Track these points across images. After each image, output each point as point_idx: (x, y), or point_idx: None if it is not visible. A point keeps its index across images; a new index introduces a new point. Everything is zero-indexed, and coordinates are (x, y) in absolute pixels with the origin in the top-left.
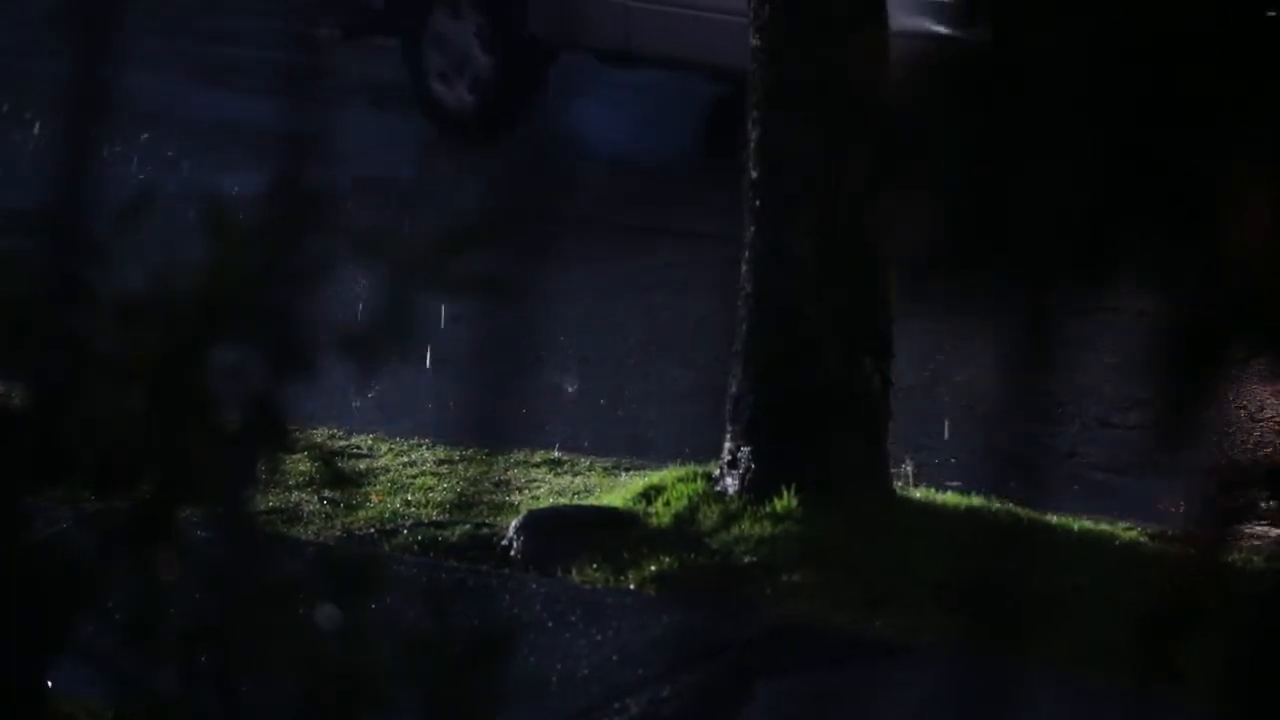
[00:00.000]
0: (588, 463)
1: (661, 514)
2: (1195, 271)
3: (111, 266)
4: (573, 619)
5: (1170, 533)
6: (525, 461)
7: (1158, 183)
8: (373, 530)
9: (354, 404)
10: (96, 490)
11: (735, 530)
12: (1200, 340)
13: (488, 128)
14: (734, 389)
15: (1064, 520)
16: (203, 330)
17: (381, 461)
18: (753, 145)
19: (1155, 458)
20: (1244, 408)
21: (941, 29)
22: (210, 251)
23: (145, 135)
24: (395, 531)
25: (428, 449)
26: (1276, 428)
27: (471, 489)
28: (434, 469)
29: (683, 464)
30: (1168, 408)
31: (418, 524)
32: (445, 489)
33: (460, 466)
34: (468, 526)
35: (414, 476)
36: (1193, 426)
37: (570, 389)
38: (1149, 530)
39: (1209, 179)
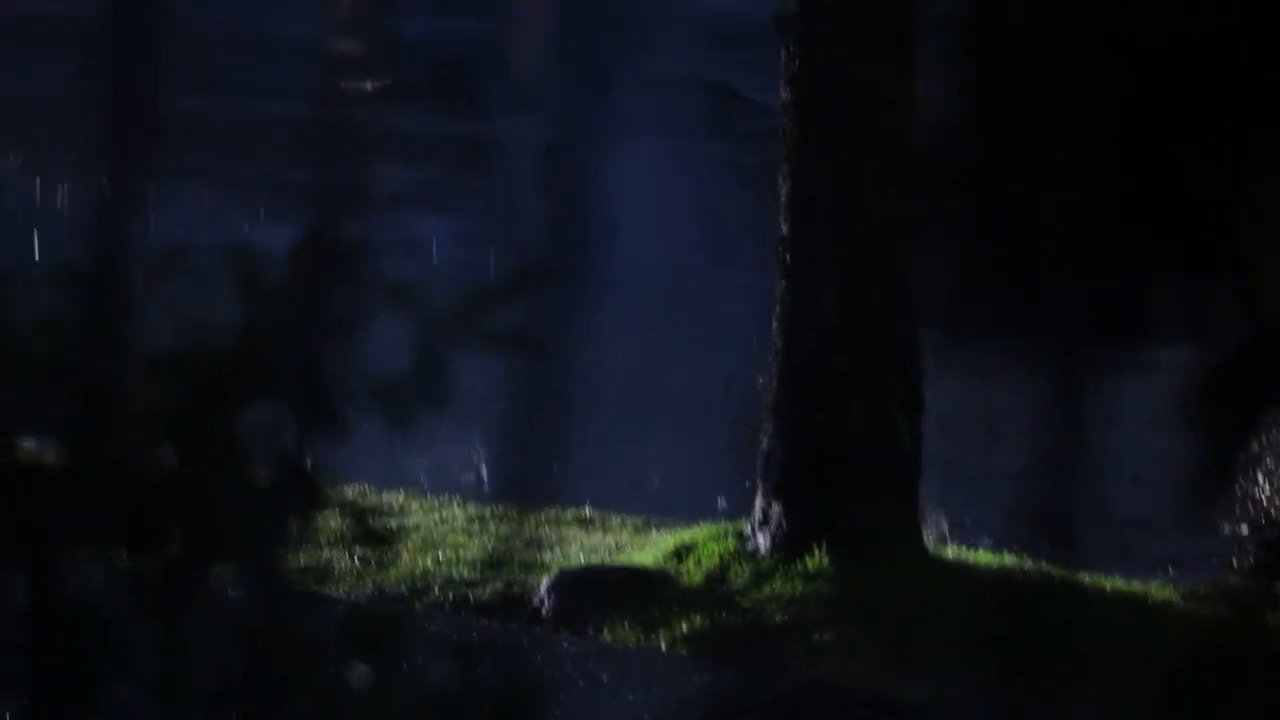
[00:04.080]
0: (619, 520)
1: (693, 572)
2: (1228, 326)
3: (145, 321)
4: (604, 678)
5: (1203, 590)
6: (556, 519)
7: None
8: (404, 588)
9: (385, 460)
10: (128, 547)
11: (767, 589)
12: (1233, 395)
13: None
14: (765, 446)
15: (1096, 578)
16: (235, 386)
17: (413, 519)
18: (782, 200)
19: (1188, 514)
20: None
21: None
22: (242, 306)
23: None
24: (426, 589)
25: (459, 506)
26: None
27: (502, 547)
28: (465, 526)
29: (714, 521)
30: (1200, 463)
31: (449, 582)
32: (476, 547)
33: (491, 524)
34: (499, 585)
35: (445, 534)
36: (1225, 482)
37: (601, 445)
38: (1181, 587)
39: (1241, 235)
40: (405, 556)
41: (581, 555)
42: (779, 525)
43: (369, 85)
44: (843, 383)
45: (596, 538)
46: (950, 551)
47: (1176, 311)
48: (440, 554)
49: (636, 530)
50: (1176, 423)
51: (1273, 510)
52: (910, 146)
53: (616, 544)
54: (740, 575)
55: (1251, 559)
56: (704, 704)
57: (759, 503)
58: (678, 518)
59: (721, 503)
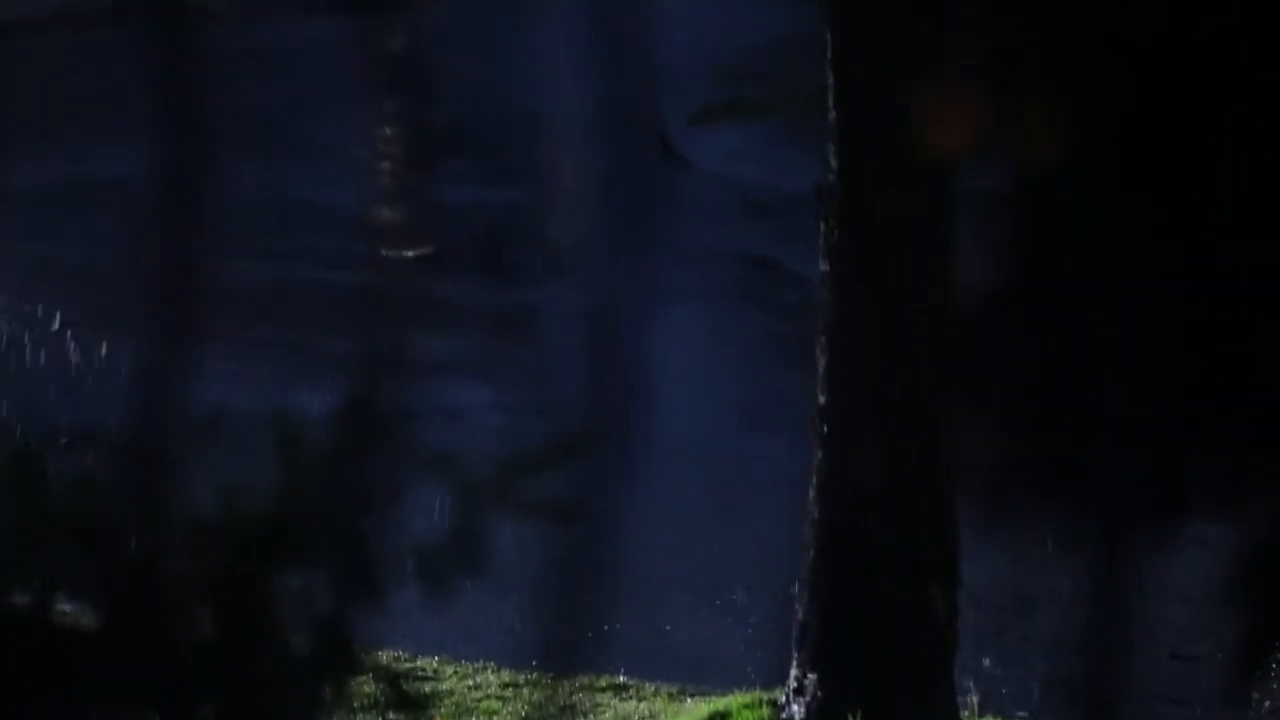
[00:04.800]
0: (652, 688)
1: None
2: (1269, 503)
3: (185, 486)
4: None
5: None
6: (590, 686)
7: (1233, 414)
8: None
9: (419, 622)
10: (164, 712)
11: None
12: (1271, 570)
13: None
14: (800, 615)
15: None
16: (273, 553)
17: (447, 684)
18: (820, 371)
19: (1225, 690)
20: None
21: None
22: (282, 473)
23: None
24: None
25: (493, 672)
26: None
27: (536, 714)
28: (499, 693)
29: (748, 690)
30: (1238, 639)
31: None
32: (510, 713)
33: (525, 690)
34: None
35: (479, 700)
36: (1264, 658)
37: (635, 612)
38: None
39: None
40: None
41: None
42: (814, 695)
43: (411, 253)
44: (879, 554)
45: (630, 705)
46: None
47: (1217, 486)
48: None
49: (671, 698)
50: (1216, 599)
51: None
52: (950, 318)
53: (650, 711)
54: None
55: None
56: None
57: (794, 672)
58: (712, 686)
59: (755, 672)
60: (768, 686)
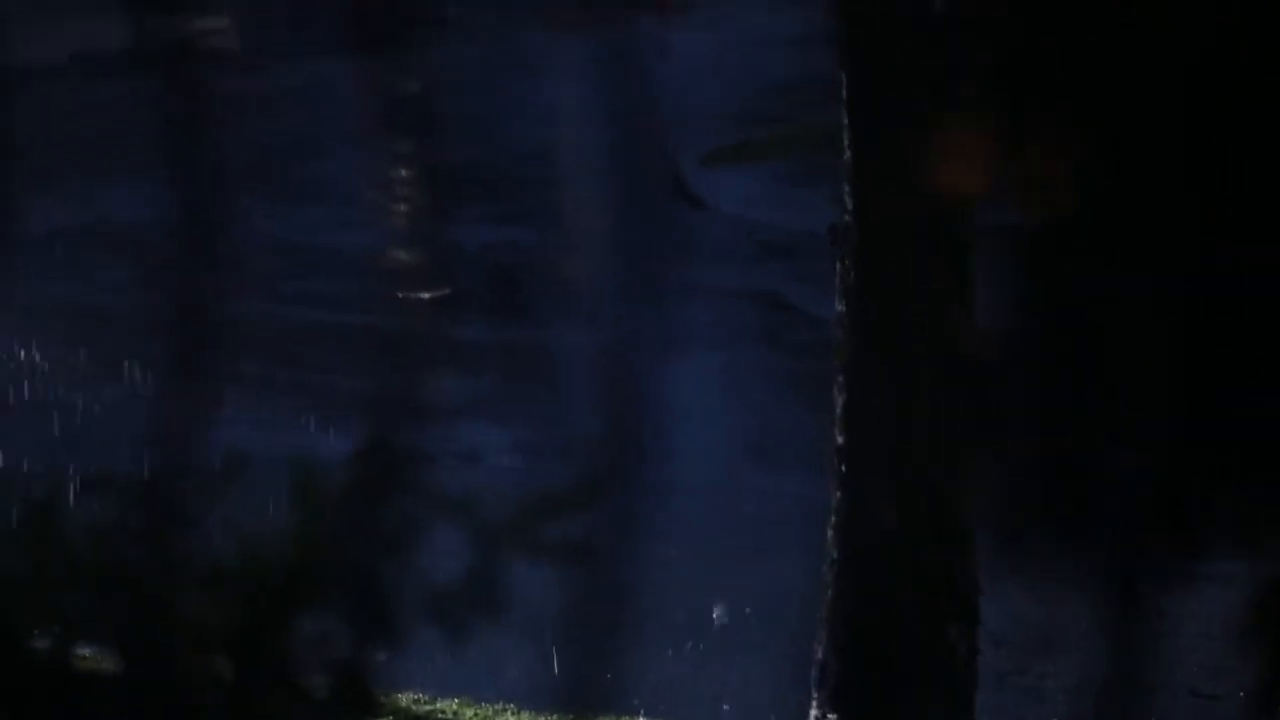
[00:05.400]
0: None
1: None
2: None
3: (202, 529)
4: None
5: None
6: None
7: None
8: None
9: (437, 663)
10: None
11: None
12: None
13: None
14: (819, 655)
15: None
16: (291, 596)
17: None
18: (838, 410)
19: None
20: None
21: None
22: (299, 517)
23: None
24: None
25: (513, 713)
26: None
27: None
28: None
29: None
30: (1259, 676)
31: None
32: None
33: None
34: None
35: None
36: None
37: (654, 652)
38: None
39: None
40: None
41: None
42: None
43: (426, 294)
44: (898, 593)
45: None
46: None
47: (1236, 523)
48: None
49: None
50: (1237, 636)
51: None
52: (968, 357)
53: None
54: None
55: None
56: None
57: (814, 712)
58: None
59: (774, 711)
60: None
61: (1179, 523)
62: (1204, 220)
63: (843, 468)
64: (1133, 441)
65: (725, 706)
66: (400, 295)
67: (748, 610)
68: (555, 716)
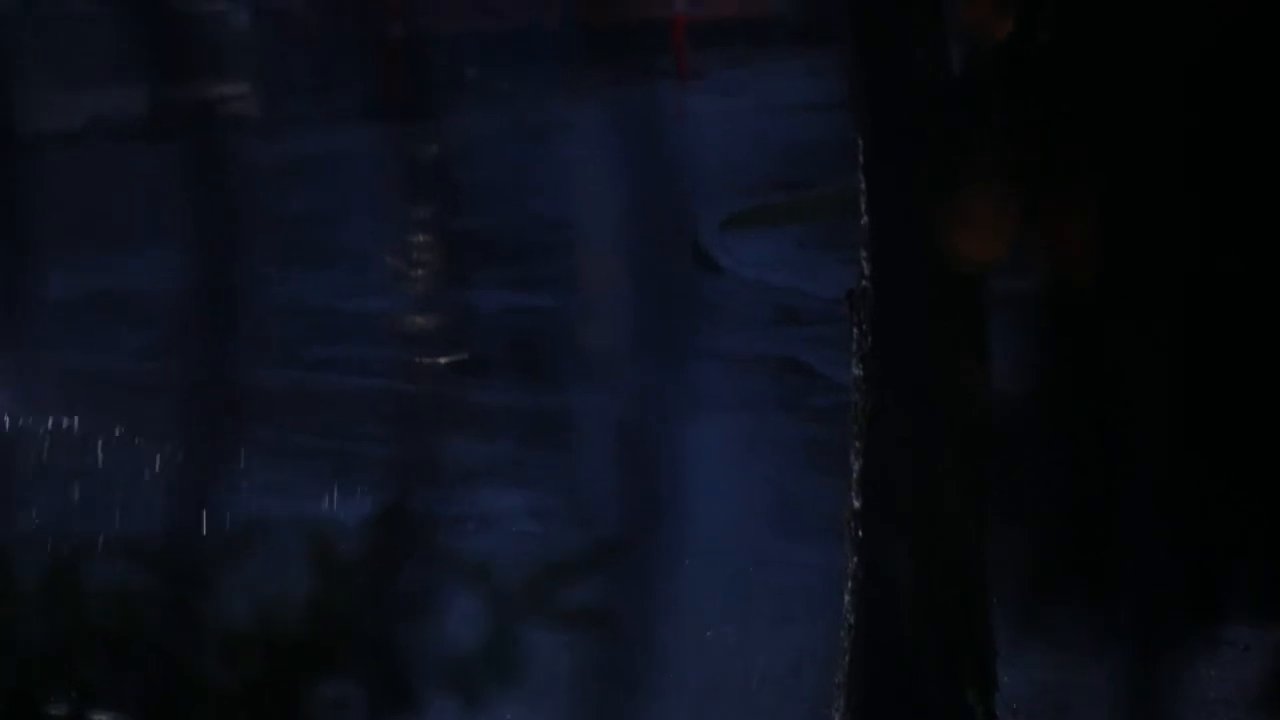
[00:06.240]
0: None
1: None
2: None
3: (220, 595)
4: None
5: None
6: None
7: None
8: None
9: None
10: None
11: None
12: None
13: None
14: None
15: None
16: (307, 663)
17: None
18: (855, 475)
19: None
20: None
21: None
22: (316, 583)
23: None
24: None
25: None
26: None
27: None
28: None
29: None
30: None
31: None
32: None
33: None
34: None
35: None
36: None
37: (672, 719)
38: None
39: None
40: None
41: None
42: None
43: (445, 359)
44: (915, 659)
45: None
46: None
47: (1255, 590)
48: None
49: None
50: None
51: None
52: (985, 422)
53: None
54: None
55: None
56: None
57: None
58: None
59: None
60: None
61: (1198, 589)
62: (1222, 283)
63: (859, 532)
64: (1152, 507)
65: None
66: (421, 360)
67: (765, 676)
68: None
